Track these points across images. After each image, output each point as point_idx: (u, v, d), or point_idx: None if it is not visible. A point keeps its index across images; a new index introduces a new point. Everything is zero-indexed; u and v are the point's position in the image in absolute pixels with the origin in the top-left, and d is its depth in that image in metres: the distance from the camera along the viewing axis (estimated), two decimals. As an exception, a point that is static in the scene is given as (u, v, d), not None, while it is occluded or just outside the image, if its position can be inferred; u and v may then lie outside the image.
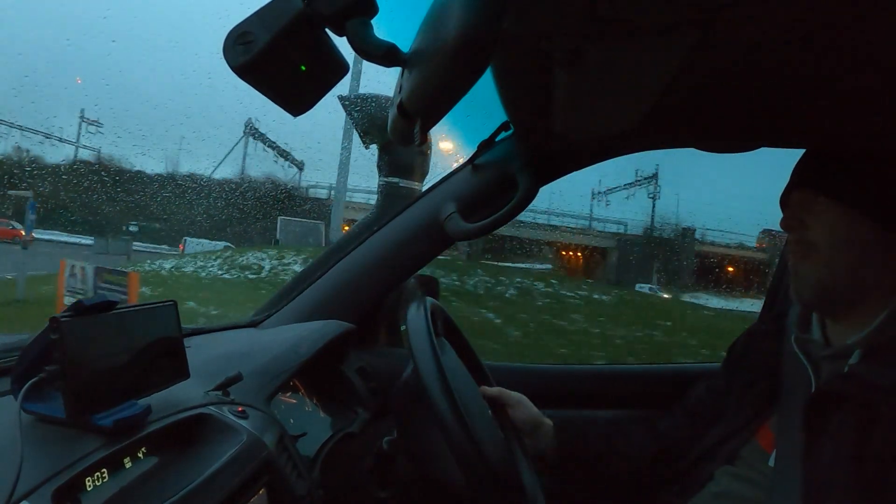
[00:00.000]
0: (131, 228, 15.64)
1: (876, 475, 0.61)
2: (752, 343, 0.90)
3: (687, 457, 0.87)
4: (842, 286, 0.72)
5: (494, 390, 0.91)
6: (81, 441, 0.56)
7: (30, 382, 0.55)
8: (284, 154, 17.87)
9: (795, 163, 0.82)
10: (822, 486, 0.65)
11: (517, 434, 0.86)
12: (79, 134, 17.57)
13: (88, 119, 17.71)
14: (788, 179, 0.81)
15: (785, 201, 0.80)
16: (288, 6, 0.43)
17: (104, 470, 0.55)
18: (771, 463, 0.74)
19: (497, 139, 1.06)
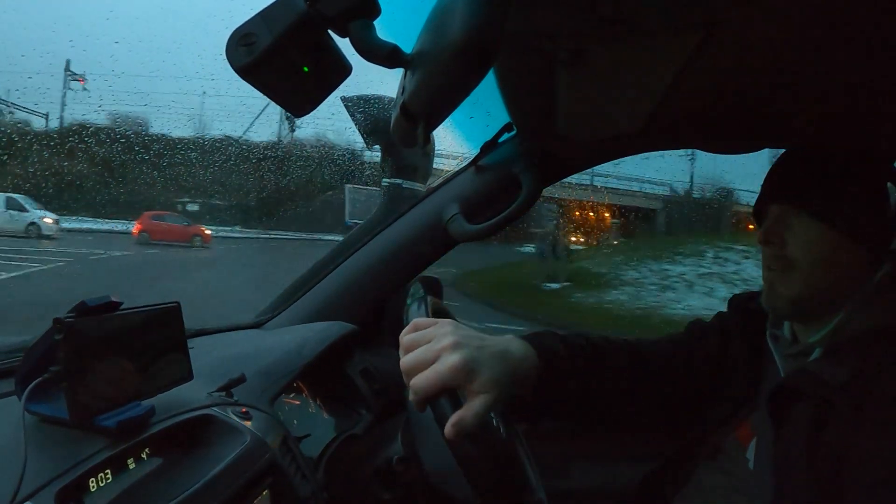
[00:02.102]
0: (189, 207, 12.69)
1: (828, 472, 0.62)
2: (736, 331, 0.89)
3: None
4: (817, 301, 0.73)
5: None
6: (85, 442, 0.56)
7: (33, 383, 0.55)
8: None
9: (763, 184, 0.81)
10: (785, 480, 0.66)
11: (520, 437, 0.86)
12: (64, 93, 12.68)
13: (73, 73, 12.58)
14: (761, 189, 0.80)
15: (761, 213, 0.80)
16: (291, 8, 0.43)
17: (108, 471, 0.55)
18: (748, 455, 0.76)
19: (500, 140, 1.06)
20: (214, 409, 0.71)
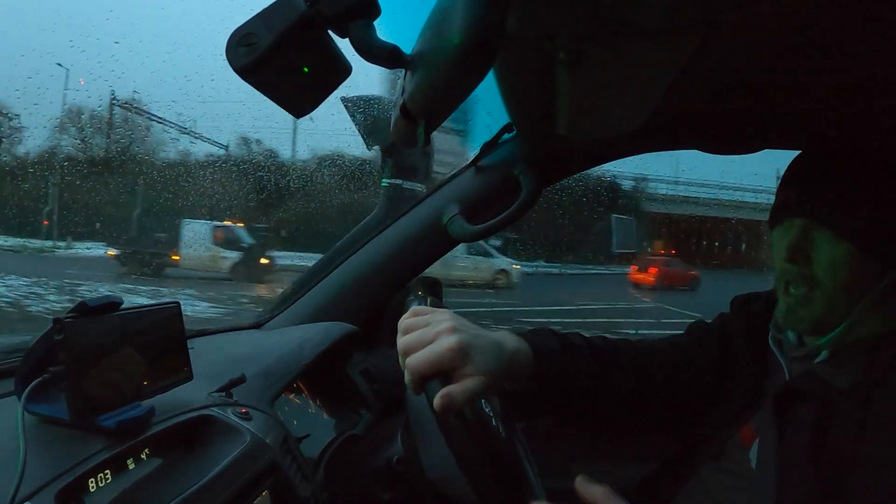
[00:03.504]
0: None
1: (832, 474, 0.62)
2: (738, 333, 0.88)
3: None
4: (836, 320, 0.72)
5: None
6: (85, 442, 0.56)
7: (33, 383, 0.55)
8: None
9: (781, 186, 0.77)
10: (788, 481, 0.67)
11: (522, 438, 0.85)
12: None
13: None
14: (780, 199, 0.76)
15: (779, 222, 0.76)
16: (291, 8, 0.43)
17: (107, 471, 0.55)
18: (751, 456, 0.76)
19: (500, 140, 1.06)
20: (214, 409, 0.71)
